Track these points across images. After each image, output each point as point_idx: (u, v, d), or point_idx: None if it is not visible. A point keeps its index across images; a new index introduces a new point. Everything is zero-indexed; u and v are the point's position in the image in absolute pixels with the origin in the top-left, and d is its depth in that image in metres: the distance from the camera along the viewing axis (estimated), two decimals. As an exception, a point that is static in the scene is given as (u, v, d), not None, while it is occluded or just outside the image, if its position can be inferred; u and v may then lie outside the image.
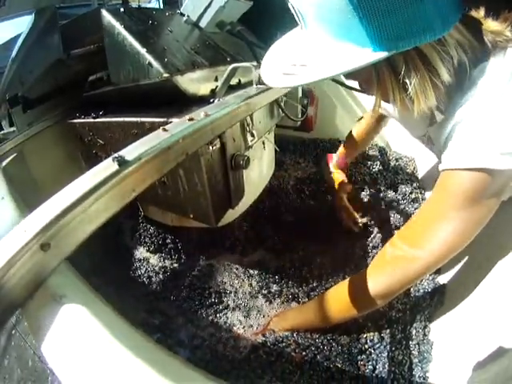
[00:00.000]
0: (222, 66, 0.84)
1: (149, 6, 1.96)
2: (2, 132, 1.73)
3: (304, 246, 0.93)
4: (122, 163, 0.32)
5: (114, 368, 0.21)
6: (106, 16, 0.81)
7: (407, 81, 0.42)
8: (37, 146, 0.99)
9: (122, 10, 0.87)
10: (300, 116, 1.05)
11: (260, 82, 0.71)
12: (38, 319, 0.25)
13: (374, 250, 0.93)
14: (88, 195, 0.29)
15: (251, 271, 0.88)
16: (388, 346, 0.72)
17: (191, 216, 0.70)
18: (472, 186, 0.44)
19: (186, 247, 0.94)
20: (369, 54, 0.38)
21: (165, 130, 0.38)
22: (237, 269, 0.89)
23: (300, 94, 1.07)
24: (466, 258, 0.78)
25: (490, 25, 0.44)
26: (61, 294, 0.26)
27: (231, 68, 0.68)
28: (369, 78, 0.45)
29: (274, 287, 0.84)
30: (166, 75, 0.69)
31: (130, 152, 0.33)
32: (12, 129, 1.42)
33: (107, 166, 0.32)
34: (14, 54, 1.22)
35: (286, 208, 1.04)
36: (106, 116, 0.82)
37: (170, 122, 0.60)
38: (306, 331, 0.72)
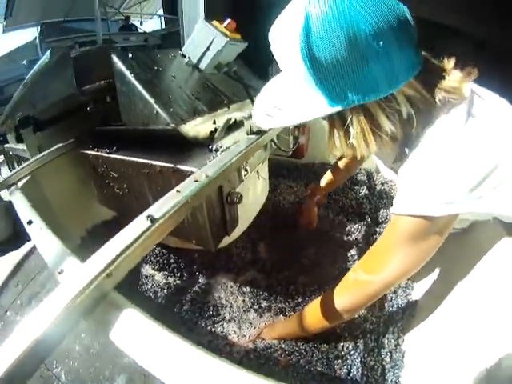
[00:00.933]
0: (220, 109, 1.05)
1: (150, 22, 2.20)
2: (9, 146, 1.97)
3: (290, 267, 1.12)
4: (153, 220, 0.53)
5: (170, 347, 0.40)
6: (117, 63, 0.99)
7: (351, 129, 0.52)
8: (51, 172, 1.18)
9: (130, 55, 1.04)
10: (292, 146, 1.25)
11: (252, 131, 0.92)
12: (108, 319, 0.45)
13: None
14: (132, 244, 0.50)
15: (244, 289, 1.07)
16: (361, 353, 0.90)
17: (194, 242, 0.90)
18: (415, 229, 0.55)
19: (188, 266, 1.14)
20: (325, 108, 0.49)
21: (178, 191, 0.59)
22: (232, 286, 1.09)
23: (292, 126, 1.27)
24: (436, 276, 0.96)
25: (447, 82, 0.50)
26: (120, 304, 0.47)
27: (226, 120, 0.89)
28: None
29: (264, 303, 1.03)
30: (172, 125, 0.89)
31: (157, 211, 0.54)
32: (21, 146, 1.64)
33: (142, 222, 0.53)
34: (26, 79, 1.42)
35: (279, 231, 1.24)
36: (120, 153, 1.02)
37: (177, 168, 0.82)
38: (291, 340, 0.90)
